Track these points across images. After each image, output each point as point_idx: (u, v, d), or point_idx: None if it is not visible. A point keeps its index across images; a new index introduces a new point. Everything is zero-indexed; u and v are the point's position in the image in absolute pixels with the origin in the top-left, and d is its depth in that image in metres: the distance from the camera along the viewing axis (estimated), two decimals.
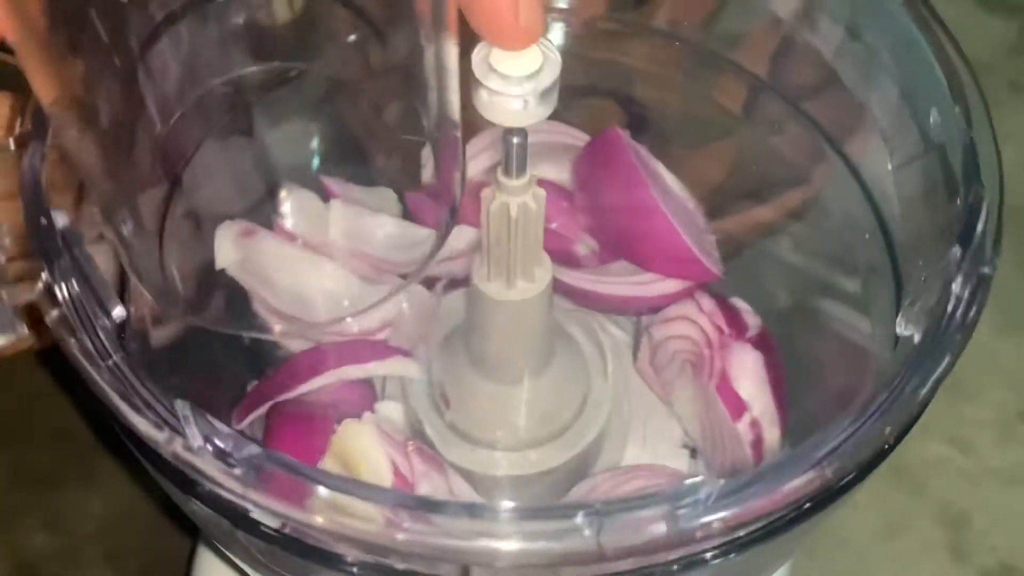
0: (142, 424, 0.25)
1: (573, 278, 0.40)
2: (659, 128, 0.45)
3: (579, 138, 0.43)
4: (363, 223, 0.39)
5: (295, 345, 0.40)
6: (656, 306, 0.39)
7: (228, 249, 0.38)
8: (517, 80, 0.26)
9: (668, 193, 0.40)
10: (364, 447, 0.34)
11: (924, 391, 0.26)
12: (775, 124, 0.41)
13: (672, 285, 0.39)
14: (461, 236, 0.40)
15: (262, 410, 0.36)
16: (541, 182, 0.30)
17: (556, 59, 0.27)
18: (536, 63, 0.26)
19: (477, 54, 0.27)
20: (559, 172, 0.41)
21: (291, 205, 0.40)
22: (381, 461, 0.34)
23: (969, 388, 0.55)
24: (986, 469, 0.54)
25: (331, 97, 0.39)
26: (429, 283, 0.41)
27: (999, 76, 0.69)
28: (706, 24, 0.42)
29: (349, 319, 0.39)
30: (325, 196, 0.40)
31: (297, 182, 0.40)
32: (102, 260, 0.29)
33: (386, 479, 0.33)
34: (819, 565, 0.50)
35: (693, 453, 0.40)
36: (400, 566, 0.25)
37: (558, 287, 0.35)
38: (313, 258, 0.39)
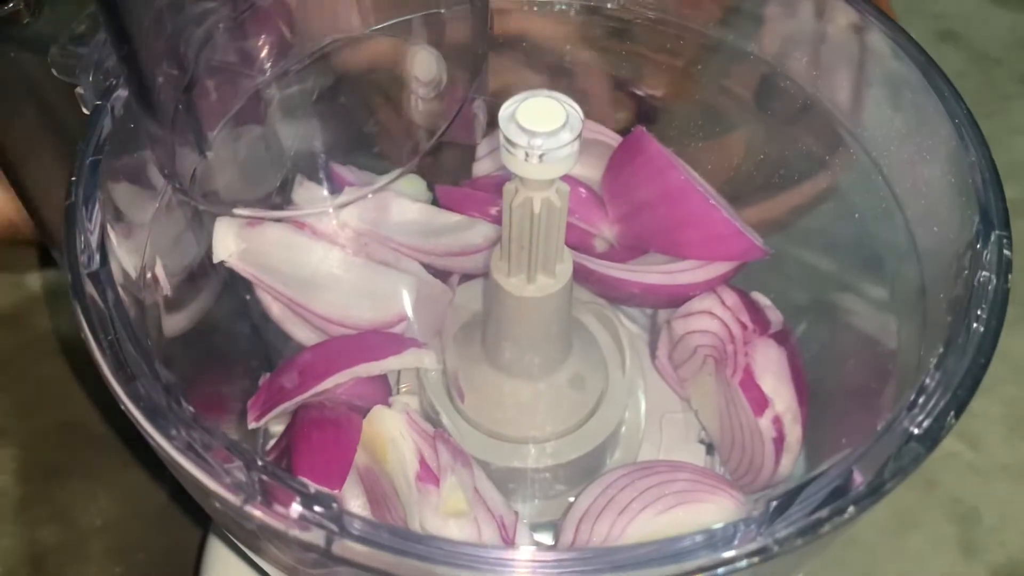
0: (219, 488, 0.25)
1: (598, 265, 0.39)
2: (670, 118, 0.45)
3: (601, 132, 0.42)
4: (381, 208, 0.38)
5: (306, 337, 0.39)
6: (679, 296, 0.39)
7: (228, 241, 0.37)
8: (529, 133, 0.28)
9: (697, 181, 0.39)
10: (392, 434, 0.34)
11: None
12: (789, 113, 0.40)
13: (698, 275, 0.39)
14: (477, 231, 0.40)
15: (279, 411, 0.35)
16: (563, 177, 0.30)
17: (577, 122, 0.28)
18: (553, 123, 0.28)
19: (505, 109, 0.28)
20: (582, 168, 0.41)
21: (300, 194, 0.39)
22: (408, 449, 0.33)
23: None
24: (996, 465, 0.54)
25: (341, 86, 0.39)
26: (444, 276, 0.40)
27: (1008, 69, 0.69)
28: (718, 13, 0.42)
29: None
30: (338, 185, 0.40)
31: (307, 171, 0.40)
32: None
33: (411, 468, 0.33)
34: (829, 562, 0.49)
35: (709, 449, 0.40)
36: None
37: (580, 273, 0.35)
38: (321, 245, 0.38)
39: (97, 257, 0.28)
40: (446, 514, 0.32)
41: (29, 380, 0.56)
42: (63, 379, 0.55)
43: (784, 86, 0.40)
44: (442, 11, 0.34)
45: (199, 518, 0.49)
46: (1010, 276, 0.28)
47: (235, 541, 0.31)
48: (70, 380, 0.55)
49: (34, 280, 0.59)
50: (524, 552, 0.24)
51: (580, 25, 0.43)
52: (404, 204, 0.40)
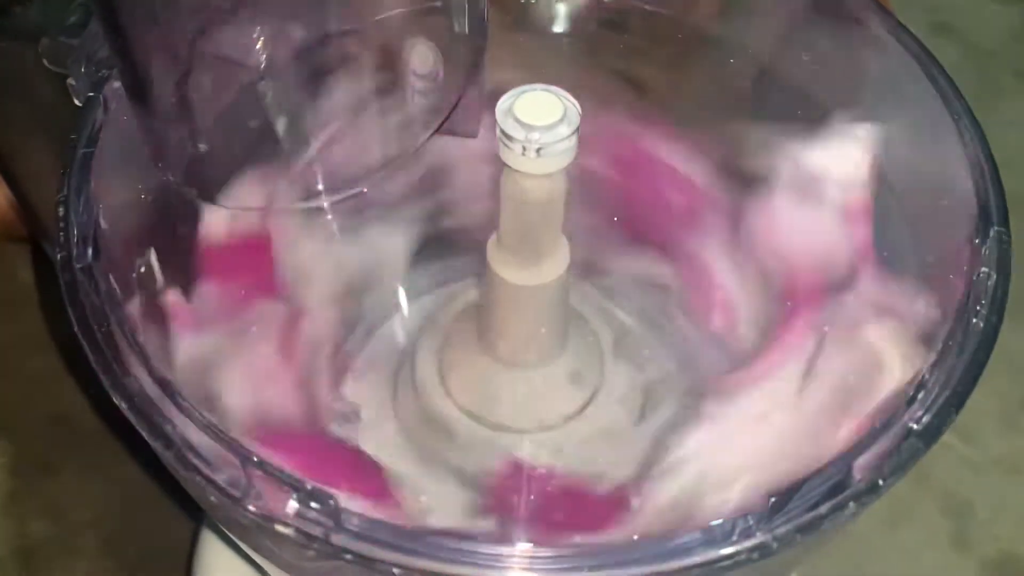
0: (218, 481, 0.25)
1: None
2: (666, 108, 0.44)
3: None
4: None
5: None
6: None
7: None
8: (527, 127, 0.28)
9: None
10: None
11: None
12: (785, 107, 0.40)
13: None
14: None
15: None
16: None
17: (575, 116, 0.28)
18: (551, 117, 0.28)
19: (502, 103, 0.28)
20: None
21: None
22: None
23: None
24: (989, 458, 0.54)
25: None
26: None
27: (1003, 63, 0.69)
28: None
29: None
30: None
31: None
32: None
33: None
34: (822, 555, 0.49)
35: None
36: None
37: None
38: None
39: (89, 251, 0.28)
40: None
41: (20, 374, 0.55)
42: (54, 373, 0.55)
43: (780, 80, 0.40)
44: (439, 3, 0.34)
45: (191, 512, 0.49)
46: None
47: (231, 536, 0.31)
48: (61, 374, 0.55)
49: (25, 273, 0.59)
50: (521, 549, 0.24)
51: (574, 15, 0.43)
52: None
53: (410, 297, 0.42)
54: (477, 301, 0.38)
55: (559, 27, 0.44)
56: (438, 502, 0.35)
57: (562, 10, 0.43)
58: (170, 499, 0.50)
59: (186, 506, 0.50)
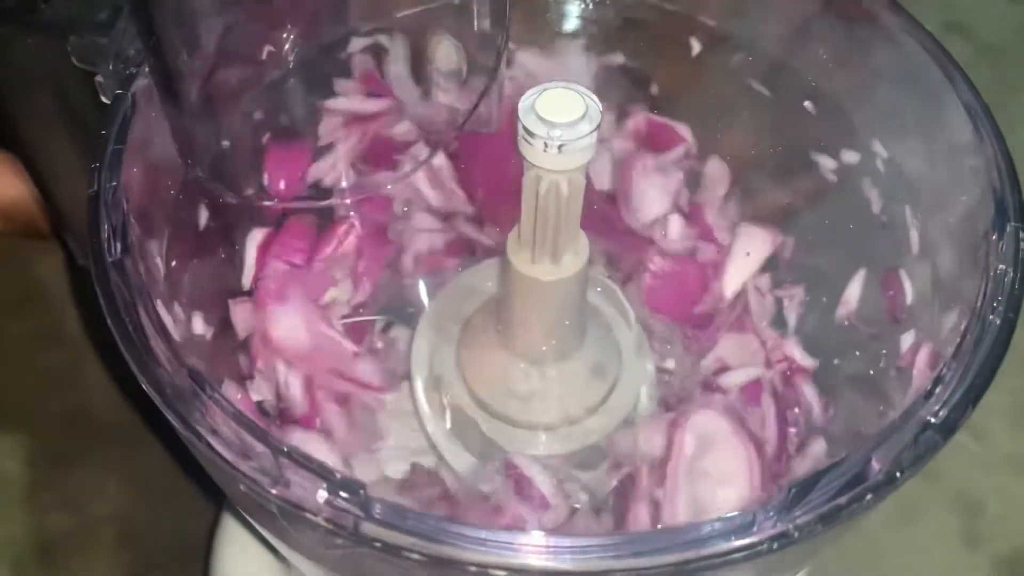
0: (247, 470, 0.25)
1: None
2: (681, 109, 0.45)
3: None
4: None
5: None
6: None
7: None
8: (548, 124, 0.28)
9: None
10: None
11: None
12: (800, 104, 0.40)
13: None
14: None
15: None
16: None
17: (596, 113, 0.28)
18: (572, 114, 0.28)
19: (524, 100, 0.28)
20: None
21: None
22: None
23: None
24: (1001, 456, 0.54)
25: None
26: None
27: (1015, 61, 0.69)
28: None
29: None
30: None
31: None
32: None
33: None
34: (833, 552, 0.50)
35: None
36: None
37: None
38: None
39: (119, 245, 0.28)
40: None
41: (38, 368, 0.56)
42: (72, 367, 0.55)
43: (795, 77, 0.40)
44: (458, 0, 0.34)
45: (209, 504, 0.49)
46: None
47: (255, 525, 0.32)
48: (79, 368, 0.55)
49: (44, 268, 0.59)
50: (547, 538, 0.24)
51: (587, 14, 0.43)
52: None
53: (429, 291, 0.42)
54: (496, 295, 0.38)
55: (570, 26, 0.44)
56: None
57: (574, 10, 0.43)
58: (188, 491, 0.51)
59: (207, 495, 0.50)
